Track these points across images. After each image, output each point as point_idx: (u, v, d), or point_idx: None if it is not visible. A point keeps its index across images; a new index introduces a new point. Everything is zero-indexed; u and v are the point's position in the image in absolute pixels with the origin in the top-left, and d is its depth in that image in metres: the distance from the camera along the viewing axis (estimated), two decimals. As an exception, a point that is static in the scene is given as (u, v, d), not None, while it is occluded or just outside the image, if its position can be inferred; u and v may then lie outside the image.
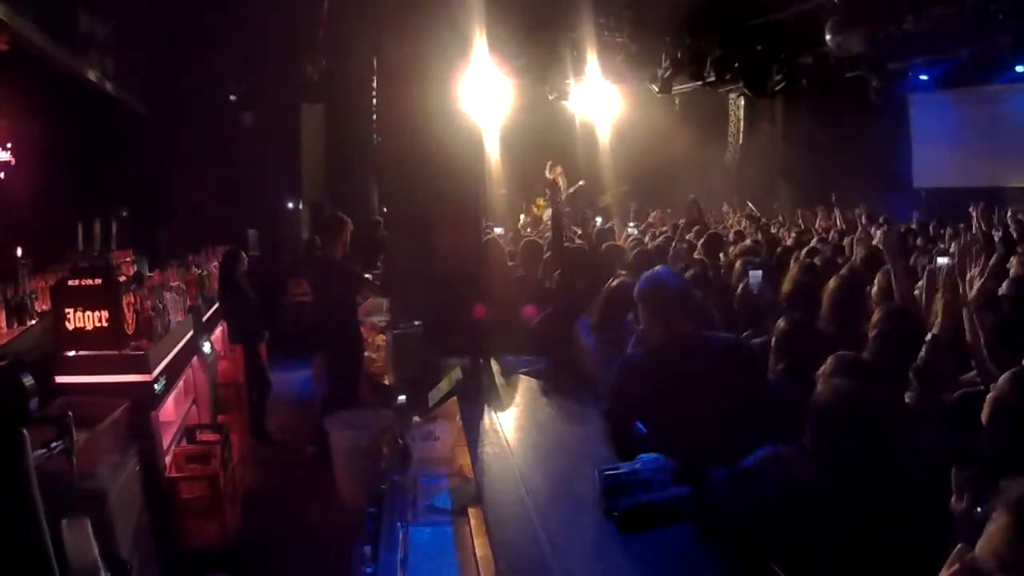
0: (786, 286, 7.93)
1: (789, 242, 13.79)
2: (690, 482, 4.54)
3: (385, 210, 16.64)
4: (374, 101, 17.37)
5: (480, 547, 4.58)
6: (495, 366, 8.26)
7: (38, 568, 2.80)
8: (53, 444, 3.25)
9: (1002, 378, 4.22)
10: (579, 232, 17.92)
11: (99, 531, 3.60)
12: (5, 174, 15.64)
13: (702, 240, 12.31)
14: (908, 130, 26.15)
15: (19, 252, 10.56)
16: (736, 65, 20.28)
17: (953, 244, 12.84)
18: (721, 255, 11.29)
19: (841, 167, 23.85)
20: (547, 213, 24.44)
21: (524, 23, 18.52)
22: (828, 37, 17.81)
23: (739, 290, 8.58)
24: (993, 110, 24.07)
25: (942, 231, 15.61)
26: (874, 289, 7.57)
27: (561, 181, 24.70)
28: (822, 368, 5.17)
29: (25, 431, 2.84)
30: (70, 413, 3.45)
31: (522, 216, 24.16)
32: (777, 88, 20.98)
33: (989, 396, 4.23)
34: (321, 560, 7.07)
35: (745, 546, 4.07)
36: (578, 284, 8.84)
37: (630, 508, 4.38)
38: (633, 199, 24.37)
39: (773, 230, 18.04)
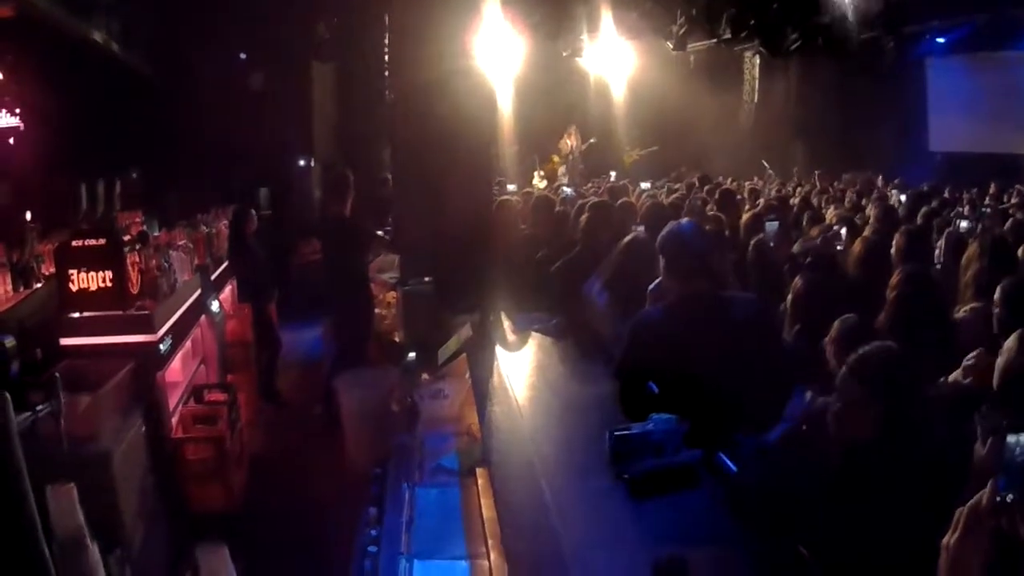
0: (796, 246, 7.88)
1: (797, 200, 13.78)
2: (711, 447, 4.44)
3: (396, 168, 16.55)
4: (386, 59, 17.25)
5: (487, 508, 4.53)
6: (506, 323, 8.17)
7: (23, 534, 2.71)
8: (39, 407, 3.15)
9: (1009, 339, 4.13)
10: (590, 186, 17.89)
11: (102, 493, 3.52)
12: (14, 140, 15.62)
13: (716, 196, 12.22)
14: (924, 94, 26.09)
15: (28, 216, 10.51)
16: (752, 23, 20.10)
17: (968, 208, 12.83)
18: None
19: (857, 129, 23.74)
20: (561, 169, 24.50)
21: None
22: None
23: (752, 243, 8.47)
24: (1009, 76, 23.93)
25: (959, 195, 15.56)
26: (893, 250, 7.48)
27: (573, 141, 24.75)
28: (828, 336, 5.11)
29: (7, 394, 2.73)
30: (57, 375, 3.36)
31: (536, 174, 24.13)
32: (793, 47, 20.80)
33: (998, 361, 4.15)
34: (327, 522, 7.00)
35: (762, 514, 3.99)
36: (600, 235, 8.68)
37: (640, 472, 4.28)
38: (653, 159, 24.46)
39: (788, 189, 18.04)
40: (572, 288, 8.00)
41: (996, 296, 5.51)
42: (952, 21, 20.97)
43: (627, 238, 7.66)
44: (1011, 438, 2.14)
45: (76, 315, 7.32)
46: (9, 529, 2.68)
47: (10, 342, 2.80)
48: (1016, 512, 2.11)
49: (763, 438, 4.63)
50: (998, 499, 2.14)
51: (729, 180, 19.67)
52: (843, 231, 9.25)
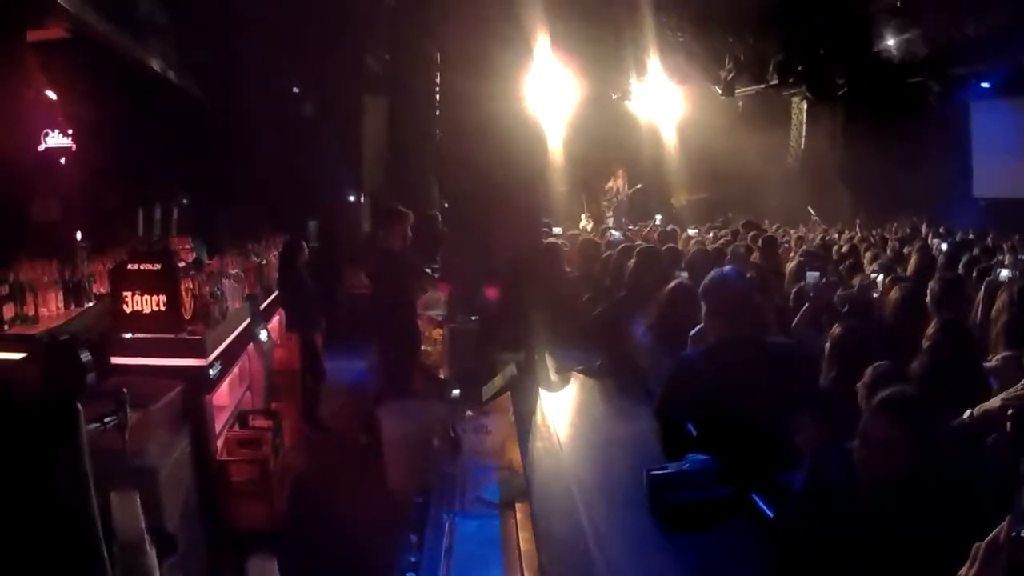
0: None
1: (845, 248, 13.79)
2: (745, 486, 4.53)
3: (445, 205, 16.66)
4: (437, 96, 17.38)
5: (525, 541, 4.60)
6: (549, 362, 8.25)
7: (85, 537, 2.83)
8: (107, 419, 3.29)
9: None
10: (636, 229, 17.97)
11: (148, 506, 3.64)
12: (65, 159, 15.79)
13: (759, 244, 12.28)
14: (969, 138, 25.87)
15: (79, 235, 10.65)
16: (799, 68, 20.19)
17: (1008, 256, 12.76)
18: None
19: (901, 174, 23.62)
20: (607, 211, 24.60)
21: (586, 21, 18.45)
22: (890, 42, 17.65)
23: (794, 291, 8.57)
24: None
25: (1003, 244, 15.43)
26: (928, 298, 7.52)
27: (620, 182, 24.84)
28: (862, 380, 5.16)
29: (79, 404, 2.87)
30: (125, 390, 3.49)
31: (582, 216, 24.20)
32: (840, 92, 20.86)
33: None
34: (367, 546, 7.09)
35: (799, 560, 4.06)
36: (646, 279, 8.78)
37: (676, 506, 4.37)
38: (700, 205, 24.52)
39: (834, 235, 18.06)
40: (616, 331, 8.11)
41: None
42: (997, 65, 20.88)
43: (671, 284, 7.77)
44: None
45: (128, 335, 7.47)
46: (74, 531, 2.82)
47: (86, 356, 2.94)
48: None
49: (792, 483, 4.70)
50: (1014, 534, 2.26)
51: (774, 227, 19.69)
52: (879, 279, 9.32)
